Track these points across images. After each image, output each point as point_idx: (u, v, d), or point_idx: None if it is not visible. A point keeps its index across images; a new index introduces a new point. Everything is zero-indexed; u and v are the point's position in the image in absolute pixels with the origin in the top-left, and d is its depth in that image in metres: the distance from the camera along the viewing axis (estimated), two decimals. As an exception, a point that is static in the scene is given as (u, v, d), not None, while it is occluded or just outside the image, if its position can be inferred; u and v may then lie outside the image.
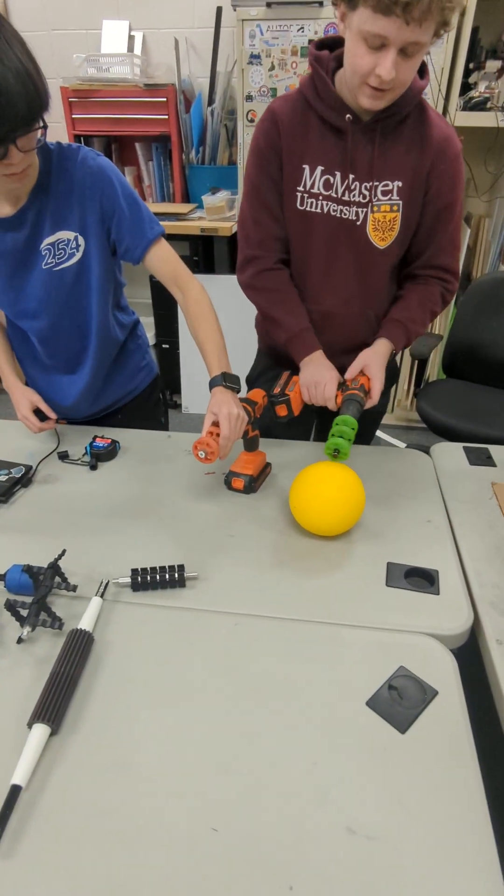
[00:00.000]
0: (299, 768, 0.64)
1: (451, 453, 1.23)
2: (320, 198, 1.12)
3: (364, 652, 0.77)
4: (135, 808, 0.61)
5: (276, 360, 1.34)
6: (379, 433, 2.64)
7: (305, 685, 0.73)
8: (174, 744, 0.67)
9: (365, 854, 0.57)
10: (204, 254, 2.59)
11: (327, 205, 1.12)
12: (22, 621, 0.78)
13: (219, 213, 2.49)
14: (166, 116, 2.50)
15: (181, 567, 0.89)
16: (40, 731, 0.66)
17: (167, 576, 0.88)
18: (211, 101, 2.53)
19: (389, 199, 1.11)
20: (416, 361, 2.13)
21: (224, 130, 2.56)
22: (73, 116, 2.59)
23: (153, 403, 1.43)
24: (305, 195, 1.12)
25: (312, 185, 1.11)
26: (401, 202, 1.11)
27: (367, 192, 1.10)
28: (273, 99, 1.25)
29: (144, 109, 2.52)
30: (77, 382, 1.25)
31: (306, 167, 1.10)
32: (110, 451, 1.21)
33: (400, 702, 0.71)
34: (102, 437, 1.23)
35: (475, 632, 0.82)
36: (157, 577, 0.87)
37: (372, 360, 1.14)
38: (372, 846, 0.57)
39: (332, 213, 1.12)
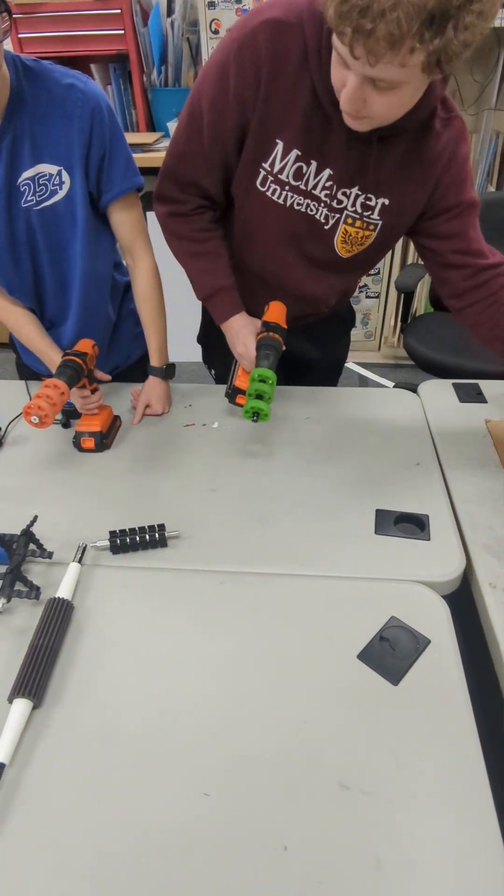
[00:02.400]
0: (290, 727, 0.63)
1: (439, 391, 1.18)
2: (287, 188, 0.91)
3: (354, 604, 0.75)
4: (124, 778, 0.59)
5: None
6: (365, 373, 2.58)
7: (295, 641, 0.71)
8: (161, 709, 0.65)
9: (360, 809, 0.56)
10: (174, 188, 2.42)
11: (292, 197, 0.91)
12: (-4, 593, 0.75)
13: (187, 141, 2.31)
14: (122, 31, 2.27)
15: (161, 526, 0.85)
16: (22, 705, 0.63)
17: (147, 536, 0.84)
18: (170, 12, 2.29)
19: (368, 217, 0.92)
20: (403, 295, 2.05)
21: (187, 45, 2.34)
22: (20, 36, 2.35)
23: (142, 372, 1.34)
24: (269, 178, 0.90)
25: (281, 170, 0.89)
26: (380, 223, 0.93)
27: (344, 199, 0.91)
28: (265, 8, 0.79)
29: (98, 24, 2.28)
30: (59, 342, 1.16)
31: (279, 144, 0.86)
32: (83, 408, 1.14)
33: (392, 653, 0.69)
34: (74, 393, 1.16)
35: (468, 576, 0.80)
36: (137, 538, 0.84)
37: None
38: (367, 801, 0.56)
39: (297, 208, 0.93)
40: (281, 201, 0.92)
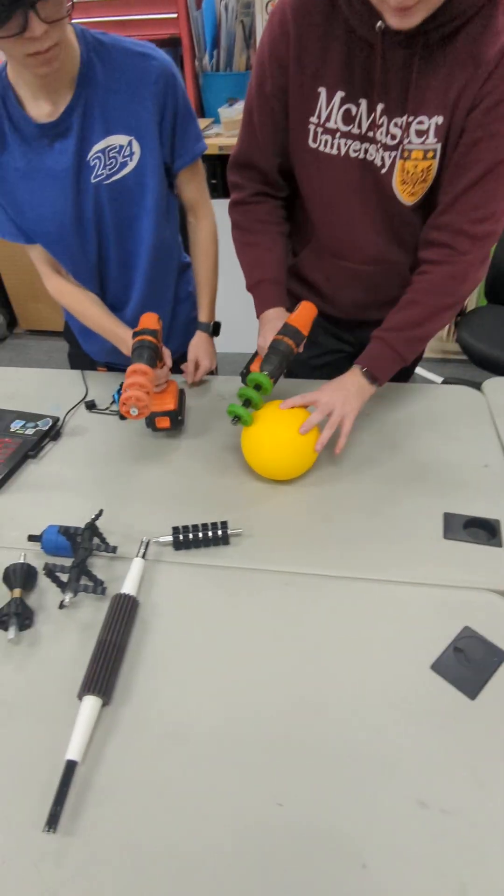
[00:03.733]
0: (363, 737, 0.61)
1: (505, 389, 1.14)
2: (338, 134, 0.86)
3: (425, 612, 0.73)
4: (194, 781, 0.58)
5: None
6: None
7: (364, 649, 0.69)
8: (230, 712, 0.64)
9: (440, 829, 0.54)
10: (223, 175, 2.38)
11: (346, 143, 0.87)
12: (63, 587, 0.75)
13: (236, 127, 2.27)
14: (175, 15, 2.24)
15: (224, 524, 0.83)
16: (91, 703, 0.63)
17: (210, 533, 0.83)
18: (224, -6, 2.25)
19: (424, 143, 0.83)
20: (456, 286, 1.98)
21: (241, 28, 2.29)
22: (72, 22, 2.34)
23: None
24: (319, 129, 0.87)
25: (328, 118, 0.85)
26: (438, 146, 0.83)
27: (398, 132, 0.83)
28: None
29: (151, 8, 2.26)
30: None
31: (322, 91, 0.84)
32: (139, 399, 1.13)
33: (467, 665, 0.66)
34: (130, 384, 1.15)
35: (544, 587, 0.77)
36: (200, 534, 0.83)
37: (333, 397, 0.91)
38: (447, 820, 0.54)
39: (353, 155, 0.87)
40: (335, 152, 0.88)
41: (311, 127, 0.88)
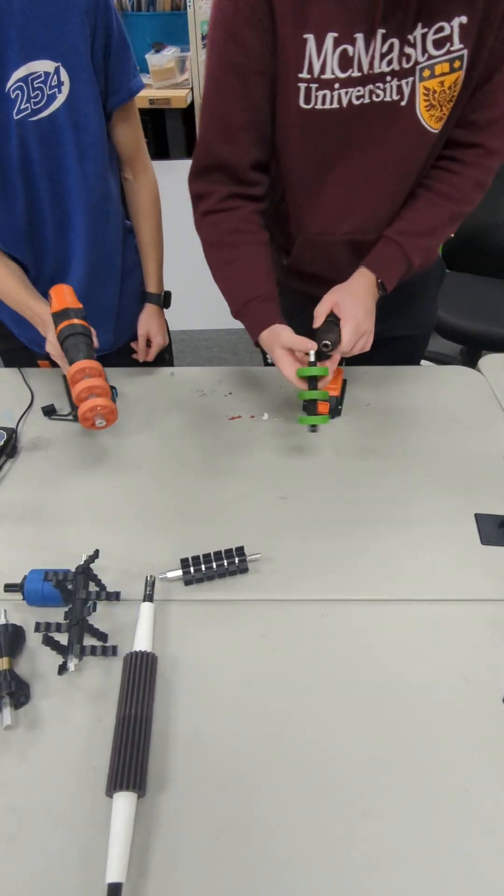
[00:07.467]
0: (455, 799, 0.53)
1: (501, 367, 1.08)
2: (336, 85, 0.73)
3: (482, 634, 0.66)
4: (268, 881, 0.49)
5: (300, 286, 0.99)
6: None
7: (427, 687, 0.61)
8: (290, 783, 0.54)
9: None
10: (154, 132, 2.16)
11: (348, 92, 0.74)
12: (64, 651, 0.61)
13: (168, 77, 2.05)
14: None
15: (240, 550, 0.72)
16: (126, 801, 0.51)
17: (225, 562, 0.71)
18: None
19: (447, 53, 0.71)
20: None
21: (162, -37, 2.05)
22: None
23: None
24: (314, 86, 0.73)
25: (323, 69, 0.72)
26: (465, 51, 0.71)
27: (411, 51, 0.71)
28: None
29: None
30: None
31: (310, 38, 0.70)
32: (108, 400, 0.98)
33: (540, 693, 0.60)
34: (94, 383, 0.99)
35: None
36: (214, 565, 0.71)
37: (343, 297, 0.82)
38: None
39: (357, 101, 0.75)
40: (336, 105, 0.75)
41: (302, 86, 0.74)
